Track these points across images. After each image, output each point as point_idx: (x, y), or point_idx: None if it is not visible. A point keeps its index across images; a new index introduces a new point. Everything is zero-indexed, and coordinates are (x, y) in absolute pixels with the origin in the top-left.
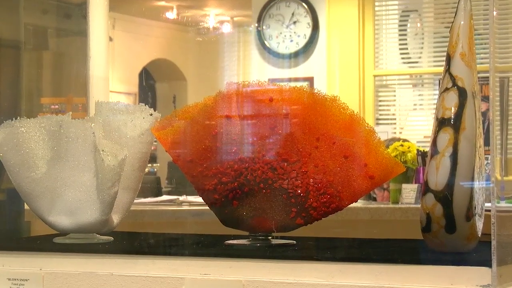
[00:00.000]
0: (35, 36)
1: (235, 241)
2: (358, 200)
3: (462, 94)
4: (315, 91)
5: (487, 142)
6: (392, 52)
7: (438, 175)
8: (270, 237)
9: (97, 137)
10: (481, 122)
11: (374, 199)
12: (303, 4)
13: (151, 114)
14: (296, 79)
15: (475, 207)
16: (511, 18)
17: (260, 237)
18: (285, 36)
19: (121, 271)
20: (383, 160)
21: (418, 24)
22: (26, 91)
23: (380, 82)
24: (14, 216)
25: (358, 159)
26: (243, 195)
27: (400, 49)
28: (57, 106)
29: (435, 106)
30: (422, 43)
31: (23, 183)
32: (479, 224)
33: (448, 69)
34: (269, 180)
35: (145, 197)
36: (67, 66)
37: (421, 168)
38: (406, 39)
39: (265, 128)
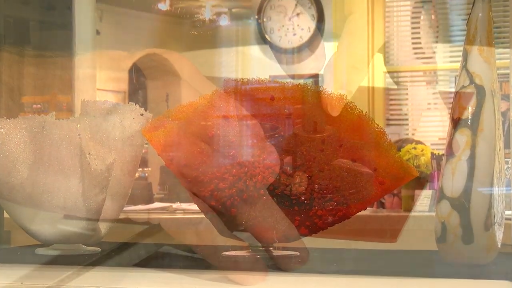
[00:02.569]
0: (16, 29)
1: (233, 253)
2: (367, 208)
3: (480, 92)
4: (320, 89)
5: (507, 145)
6: (404, 46)
7: (454, 181)
8: (271, 248)
9: (83, 139)
10: (500, 123)
11: (382, 204)
12: None
13: (141, 114)
14: (300, 76)
15: (494, 216)
16: None
17: (261, 248)
18: (287, 29)
19: (109, 285)
20: (395, 164)
21: (433, 16)
22: (6, 89)
23: (391, 79)
24: None
25: (367, 163)
26: (242, 202)
27: (413, 43)
28: (39, 105)
29: (450, 106)
30: (437, 37)
31: (3, 189)
32: (499, 234)
33: (465, 65)
34: (270, 186)
35: (135, 204)
36: (50, 62)
37: (435, 173)
38: (419, 33)
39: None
